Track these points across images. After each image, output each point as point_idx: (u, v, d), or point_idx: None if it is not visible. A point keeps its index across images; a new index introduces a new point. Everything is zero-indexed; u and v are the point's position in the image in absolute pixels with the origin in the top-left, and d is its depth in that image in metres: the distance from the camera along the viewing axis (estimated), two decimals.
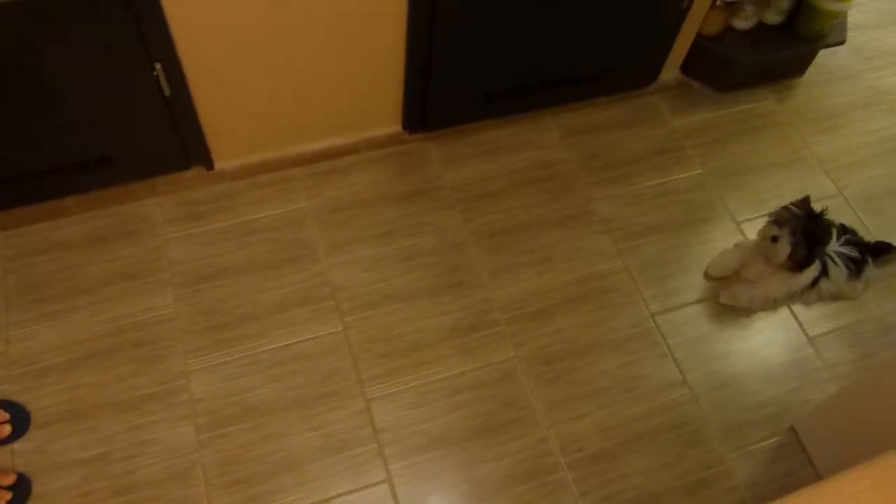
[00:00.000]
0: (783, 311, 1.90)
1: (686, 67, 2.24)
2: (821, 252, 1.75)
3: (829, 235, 1.74)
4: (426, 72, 1.81)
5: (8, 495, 1.47)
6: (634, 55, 2.08)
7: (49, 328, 1.69)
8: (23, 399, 1.60)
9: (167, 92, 1.61)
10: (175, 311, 1.74)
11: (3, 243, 1.81)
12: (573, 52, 1.96)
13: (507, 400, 1.69)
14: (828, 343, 1.85)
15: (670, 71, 2.22)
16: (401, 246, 1.89)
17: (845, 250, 1.80)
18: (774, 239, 1.69)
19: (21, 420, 1.57)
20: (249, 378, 1.67)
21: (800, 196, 1.74)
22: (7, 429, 1.54)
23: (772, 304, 1.88)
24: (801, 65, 2.35)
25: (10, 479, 1.48)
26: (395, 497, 1.56)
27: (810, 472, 1.66)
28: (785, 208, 1.72)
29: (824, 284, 1.81)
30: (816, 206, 1.70)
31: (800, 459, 1.68)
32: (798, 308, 1.90)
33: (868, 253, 1.84)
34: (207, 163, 1.88)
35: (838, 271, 1.79)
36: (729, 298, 1.87)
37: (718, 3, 2.02)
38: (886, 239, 1.91)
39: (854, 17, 2.50)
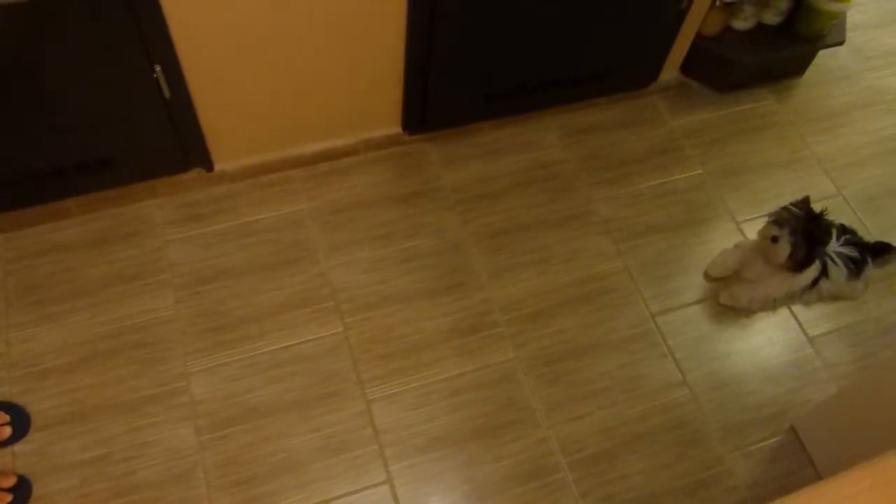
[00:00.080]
0: (783, 312, 1.90)
1: (686, 68, 2.24)
2: (821, 252, 1.75)
3: (829, 235, 1.74)
4: (426, 72, 1.81)
5: (8, 497, 1.47)
6: (634, 55, 2.08)
7: (49, 330, 1.69)
8: (23, 401, 1.60)
9: (167, 94, 1.61)
10: (175, 313, 1.74)
11: (3, 245, 1.81)
12: (573, 53, 1.96)
13: (508, 401, 1.69)
14: (828, 343, 1.85)
15: (670, 71, 2.22)
16: (400, 247, 1.89)
17: (845, 250, 1.80)
18: (774, 239, 1.69)
19: (22, 422, 1.57)
20: (250, 379, 1.67)
21: (799, 196, 1.74)
22: (7, 431, 1.54)
23: (772, 305, 1.88)
24: (800, 65, 2.35)
25: (11, 481, 1.48)
26: (395, 498, 1.56)
27: (810, 472, 1.66)
28: (785, 208, 1.72)
29: (824, 284, 1.81)
30: (816, 207, 1.70)
31: (800, 459, 1.68)
32: (798, 308, 1.90)
33: (868, 253, 1.84)
34: (207, 164, 1.88)
35: (838, 271, 1.79)
36: (729, 299, 1.87)
37: (718, 3, 2.02)
38: (886, 239, 1.91)
39: (853, 17, 2.50)
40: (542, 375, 1.73)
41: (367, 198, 1.97)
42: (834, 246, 1.79)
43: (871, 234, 2.04)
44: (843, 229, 1.85)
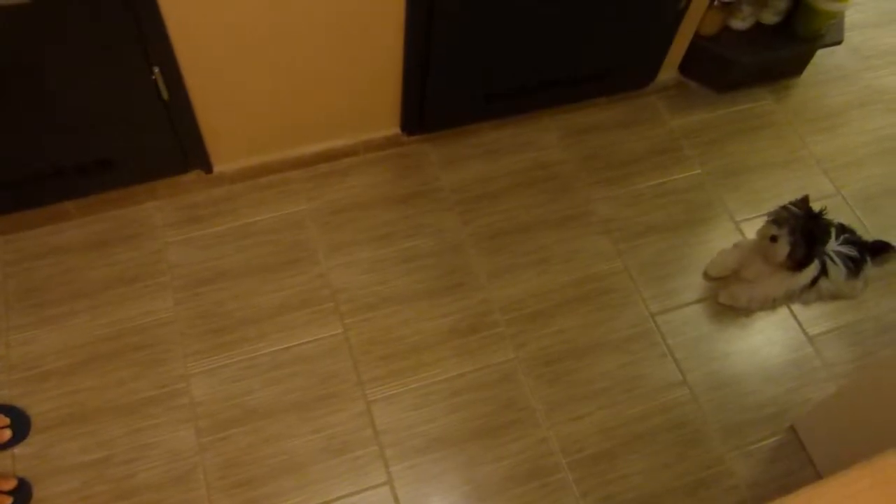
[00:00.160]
0: (782, 311, 1.90)
1: (684, 68, 2.24)
2: (820, 251, 1.75)
3: (828, 235, 1.74)
4: (424, 72, 1.81)
5: (9, 500, 1.47)
6: (633, 55, 2.08)
7: (49, 332, 1.69)
8: (23, 403, 1.60)
9: (165, 95, 1.61)
10: (175, 315, 1.74)
11: (2, 248, 1.81)
12: (572, 53, 1.96)
13: (508, 401, 1.69)
14: (827, 342, 1.85)
15: (668, 71, 2.22)
16: (400, 248, 1.89)
17: (844, 249, 1.80)
18: (774, 238, 1.69)
19: (21, 424, 1.57)
20: (249, 381, 1.67)
21: (798, 196, 1.74)
22: (7, 433, 1.54)
23: (771, 304, 1.88)
24: (798, 65, 2.35)
25: (11, 484, 1.48)
26: (396, 499, 1.56)
27: (810, 472, 1.66)
28: (784, 208, 1.72)
29: (823, 284, 1.81)
30: (815, 206, 1.70)
31: (800, 459, 1.68)
32: (797, 307, 1.90)
33: (867, 252, 1.84)
34: (206, 166, 1.88)
35: (837, 270, 1.80)
36: (728, 298, 1.87)
37: (716, 3, 2.02)
38: (884, 238, 1.92)
39: (851, 16, 2.50)
40: (541, 375, 1.73)
41: (366, 198, 1.97)
42: (833, 245, 1.79)
43: (869, 233, 2.04)
44: (842, 228, 1.85)
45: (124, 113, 1.64)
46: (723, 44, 2.14)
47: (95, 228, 1.85)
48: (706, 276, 1.93)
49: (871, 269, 1.87)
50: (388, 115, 1.96)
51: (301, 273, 1.83)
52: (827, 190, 2.14)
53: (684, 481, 1.63)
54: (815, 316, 1.90)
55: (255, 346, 1.71)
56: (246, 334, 1.73)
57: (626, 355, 1.78)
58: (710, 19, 2.07)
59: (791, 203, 1.72)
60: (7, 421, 1.55)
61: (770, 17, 2.15)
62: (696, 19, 2.03)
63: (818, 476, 1.67)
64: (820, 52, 2.32)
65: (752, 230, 1.96)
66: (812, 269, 1.76)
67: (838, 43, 2.24)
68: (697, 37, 2.12)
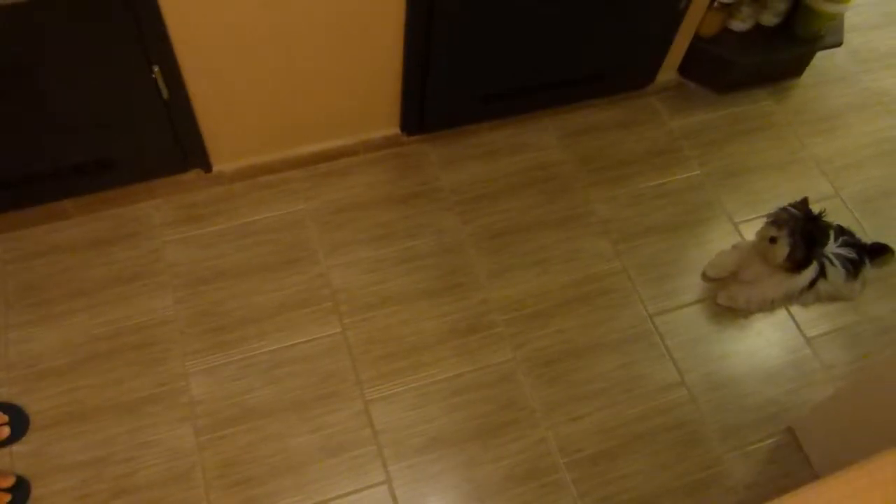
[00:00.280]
0: (781, 312, 1.90)
1: (684, 69, 2.24)
2: (819, 253, 1.75)
3: (828, 237, 1.75)
4: (424, 72, 1.81)
5: (7, 497, 1.47)
6: (632, 56, 2.09)
7: (48, 331, 1.69)
8: (22, 401, 1.60)
9: (165, 94, 1.61)
10: (174, 314, 1.74)
11: (1, 246, 1.80)
12: (571, 54, 1.96)
13: (507, 401, 1.69)
14: (825, 344, 1.86)
15: (668, 72, 2.22)
16: (400, 248, 1.89)
17: (843, 251, 1.81)
18: (773, 240, 1.69)
19: (20, 422, 1.56)
20: (249, 380, 1.67)
21: (797, 197, 1.74)
22: (6, 431, 1.54)
23: (769, 305, 1.89)
24: (798, 66, 2.36)
25: (9, 482, 1.48)
26: (394, 498, 1.56)
27: (808, 473, 1.67)
28: (783, 209, 1.73)
29: (822, 285, 1.82)
30: (814, 208, 1.71)
31: (798, 460, 1.68)
32: (796, 309, 1.91)
33: (865, 254, 1.85)
34: (205, 165, 1.88)
35: (836, 272, 1.80)
36: (727, 299, 1.87)
37: (716, 4, 2.02)
38: (883, 240, 1.92)
39: (851, 18, 2.50)
40: (541, 376, 1.73)
41: (366, 198, 1.97)
42: (832, 247, 1.80)
43: (868, 235, 2.04)
44: (841, 230, 1.86)
45: (124, 112, 1.64)
46: (722, 45, 2.14)
47: (94, 227, 1.85)
48: (705, 277, 1.93)
49: (869, 271, 1.87)
50: (387, 115, 1.96)
51: (300, 272, 1.83)
52: (826, 191, 2.14)
53: (683, 482, 1.63)
54: (814, 317, 1.90)
55: (254, 346, 1.71)
56: (245, 333, 1.73)
57: (624, 356, 1.78)
58: (709, 20, 2.08)
59: (790, 205, 1.73)
60: (6, 418, 1.55)
61: (770, 19, 2.15)
62: (695, 20, 2.04)
63: (816, 477, 1.67)
64: (819, 54, 2.32)
65: (750, 231, 1.96)
66: (811, 271, 1.76)
67: (838, 45, 2.24)
68: (697, 38, 2.12)
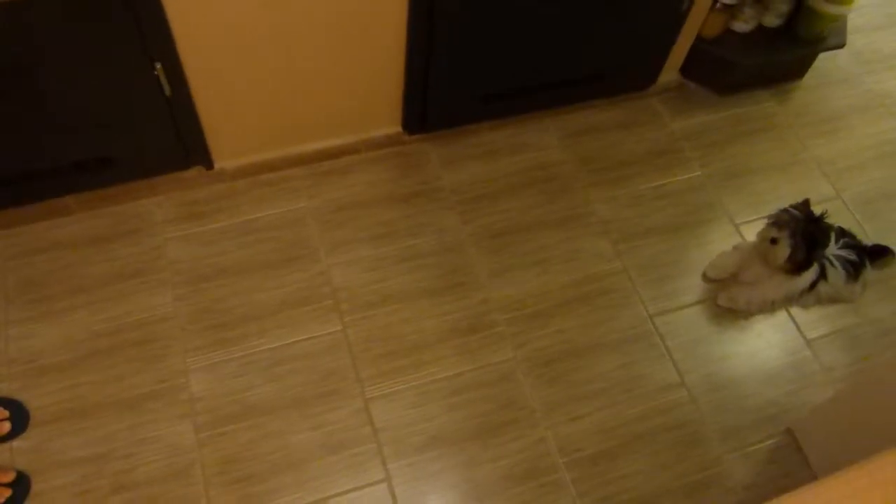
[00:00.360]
0: (781, 314, 1.90)
1: (685, 69, 2.24)
2: (819, 255, 1.75)
3: (829, 238, 1.75)
4: (426, 72, 1.81)
5: (7, 493, 1.47)
6: (634, 57, 2.09)
7: (48, 327, 1.69)
8: (22, 397, 1.60)
9: (167, 92, 1.61)
10: (175, 311, 1.74)
11: (3, 242, 1.81)
12: (573, 54, 1.96)
13: (506, 400, 1.70)
14: (825, 346, 1.86)
15: (670, 73, 2.22)
16: (400, 246, 1.90)
17: (843, 253, 1.81)
18: (774, 241, 1.69)
19: (20, 418, 1.57)
20: (249, 377, 1.67)
21: (798, 199, 1.74)
22: (6, 426, 1.54)
23: (770, 307, 1.89)
24: (800, 68, 2.36)
25: (10, 477, 1.48)
26: (393, 496, 1.56)
27: (807, 474, 1.67)
28: (785, 210, 1.73)
29: (822, 287, 1.82)
30: (816, 209, 1.71)
31: (797, 461, 1.68)
32: (796, 310, 1.91)
33: (866, 256, 1.85)
34: (207, 162, 1.88)
35: (836, 274, 1.80)
36: (727, 300, 1.87)
37: (718, 5, 2.02)
38: (884, 242, 1.92)
39: (853, 20, 2.50)
40: (541, 375, 1.74)
41: (367, 197, 1.97)
42: (832, 249, 1.80)
43: (868, 237, 2.04)
44: (842, 232, 1.86)
45: (126, 110, 1.64)
46: (725, 46, 2.14)
47: (96, 224, 1.85)
48: (705, 278, 1.93)
49: (870, 274, 1.87)
50: (388, 113, 1.96)
51: (301, 270, 1.83)
52: (827, 193, 2.14)
53: (682, 482, 1.63)
54: (814, 319, 1.90)
55: (254, 343, 1.71)
56: (246, 331, 1.73)
57: (624, 356, 1.79)
58: (712, 21, 2.07)
59: (792, 206, 1.73)
60: (6, 414, 1.55)
61: (772, 20, 2.15)
62: (698, 21, 2.04)
63: (814, 478, 1.67)
64: (822, 56, 2.32)
65: (751, 233, 1.96)
66: (811, 273, 1.76)
67: (840, 46, 2.24)
68: (699, 39, 2.12)
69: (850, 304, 1.92)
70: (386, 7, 1.63)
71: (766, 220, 1.77)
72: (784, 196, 2.09)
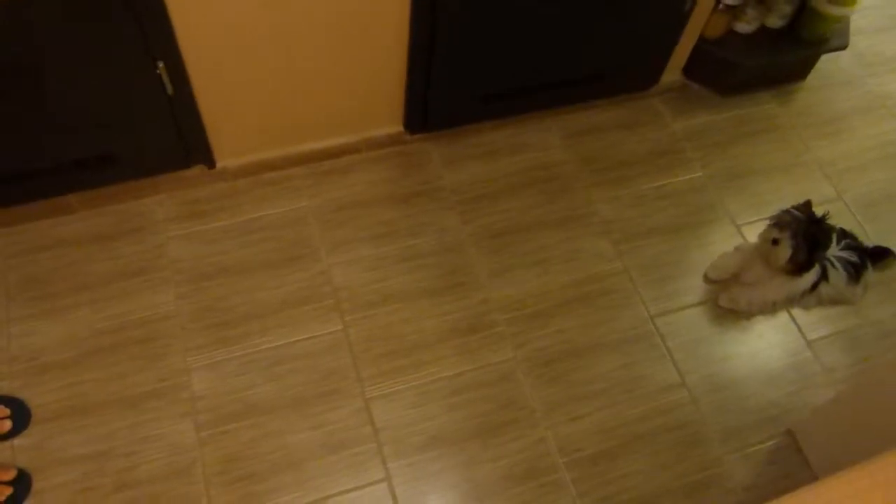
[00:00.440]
0: (782, 315, 1.90)
1: (688, 70, 2.24)
2: (821, 256, 1.75)
3: (830, 239, 1.74)
4: (427, 72, 1.81)
5: (8, 490, 1.47)
6: (636, 57, 2.09)
7: (51, 325, 1.70)
8: (24, 395, 1.61)
9: (170, 90, 1.62)
10: (176, 309, 1.75)
11: (5, 239, 1.81)
12: (574, 54, 1.96)
13: (507, 400, 1.70)
14: (826, 347, 1.86)
15: (672, 73, 2.22)
16: (401, 246, 1.90)
17: (845, 255, 1.81)
18: (775, 241, 1.69)
19: (22, 416, 1.57)
20: (250, 376, 1.67)
21: (800, 200, 1.74)
22: (8, 424, 1.54)
23: (771, 308, 1.89)
24: (802, 69, 2.36)
25: (11, 475, 1.48)
26: (393, 496, 1.56)
27: (808, 475, 1.67)
28: (786, 211, 1.72)
29: (824, 288, 1.82)
30: (817, 211, 1.70)
31: (797, 462, 1.68)
32: (797, 312, 1.91)
33: (867, 257, 1.84)
34: (209, 161, 1.88)
35: (838, 275, 1.80)
36: (728, 301, 1.87)
37: (721, 6, 2.02)
38: (885, 244, 1.92)
39: (856, 21, 2.50)
40: (541, 375, 1.74)
41: (368, 196, 1.97)
42: (834, 250, 1.80)
43: (870, 238, 2.04)
44: (843, 233, 1.86)
45: (127, 108, 1.64)
46: (727, 47, 2.14)
47: (98, 222, 1.86)
48: (706, 278, 1.93)
49: (871, 275, 1.87)
50: (390, 113, 1.97)
51: (302, 270, 1.83)
52: (829, 195, 2.14)
53: (682, 483, 1.63)
54: (815, 320, 1.90)
55: (255, 342, 1.72)
56: (247, 330, 1.73)
57: (625, 356, 1.79)
58: (714, 22, 2.07)
59: (794, 207, 1.72)
60: (7, 412, 1.55)
61: (775, 21, 2.15)
62: (700, 22, 2.04)
63: (815, 479, 1.66)
64: (824, 57, 2.32)
65: (753, 233, 1.96)
66: (813, 274, 1.76)
67: (843, 48, 2.24)
68: (702, 40, 2.12)
69: (852, 306, 1.92)
70: (386, 7, 1.63)
71: (767, 221, 1.77)
72: (786, 197, 2.08)
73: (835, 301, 1.90)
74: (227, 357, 1.69)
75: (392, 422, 1.64)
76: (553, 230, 1.97)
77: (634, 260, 1.94)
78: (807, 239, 1.66)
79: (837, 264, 1.79)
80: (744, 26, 2.14)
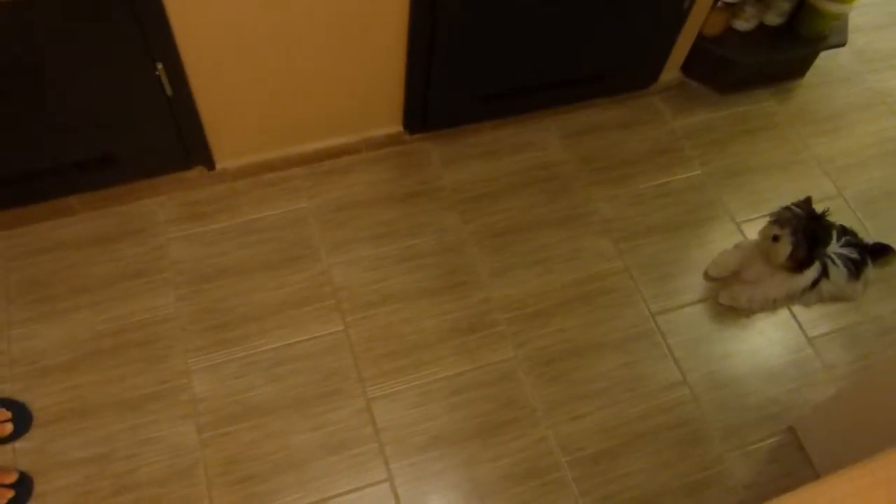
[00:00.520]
0: (783, 312, 1.90)
1: (687, 68, 2.24)
2: (821, 253, 1.75)
3: (831, 236, 1.75)
4: (427, 72, 1.81)
5: (10, 493, 1.47)
6: (635, 56, 2.08)
7: (51, 327, 1.70)
8: (25, 398, 1.60)
9: (169, 92, 1.61)
10: (177, 311, 1.74)
11: (5, 242, 1.81)
12: (574, 53, 1.96)
13: (507, 400, 1.70)
14: (827, 344, 1.86)
15: (671, 72, 2.22)
16: (401, 246, 1.90)
17: (845, 251, 1.81)
18: (776, 238, 1.69)
19: (23, 419, 1.57)
20: (251, 377, 1.67)
21: (800, 197, 1.74)
22: (9, 427, 1.54)
23: (771, 305, 1.89)
24: (801, 66, 2.36)
25: (12, 478, 1.48)
26: (395, 496, 1.56)
27: (809, 472, 1.67)
28: (786, 208, 1.72)
29: (824, 285, 1.82)
30: (817, 208, 1.70)
31: (799, 459, 1.68)
32: (798, 309, 1.91)
33: (867, 254, 1.85)
34: (209, 163, 1.88)
35: (838, 272, 1.80)
36: (729, 299, 1.87)
37: (719, 4, 2.02)
38: (885, 240, 1.92)
39: (855, 18, 2.50)
40: (542, 374, 1.74)
41: (368, 196, 1.97)
42: (834, 247, 1.80)
43: (870, 235, 2.04)
44: (843, 230, 1.86)
45: (127, 110, 1.64)
46: (726, 45, 2.14)
47: (98, 224, 1.86)
48: (707, 276, 1.93)
49: (871, 272, 1.87)
50: (389, 113, 1.96)
51: (303, 270, 1.83)
52: (829, 192, 2.14)
53: (684, 481, 1.63)
54: (816, 317, 1.90)
55: (256, 343, 1.71)
56: (247, 331, 1.73)
57: (626, 355, 1.79)
58: (713, 20, 2.07)
59: (794, 204, 1.72)
60: (8, 415, 1.55)
61: (773, 19, 2.15)
62: (699, 20, 2.04)
63: (817, 477, 1.67)
64: (823, 54, 2.32)
65: (753, 231, 1.96)
66: (813, 271, 1.76)
67: (842, 45, 2.24)
68: (700, 37, 2.12)
69: (852, 303, 1.92)
70: (386, 7, 1.63)
71: (767, 218, 1.77)
72: (785, 194, 2.09)
73: (835, 298, 1.90)
74: (227, 359, 1.69)
75: (393, 422, 1.64)
76: (553, 229, 1.97)
77: (635, 258, 1.94)
78: (807, 236, 1.66)
79: (838, 261, 1.79)
80: (742, 24, 2.13)
